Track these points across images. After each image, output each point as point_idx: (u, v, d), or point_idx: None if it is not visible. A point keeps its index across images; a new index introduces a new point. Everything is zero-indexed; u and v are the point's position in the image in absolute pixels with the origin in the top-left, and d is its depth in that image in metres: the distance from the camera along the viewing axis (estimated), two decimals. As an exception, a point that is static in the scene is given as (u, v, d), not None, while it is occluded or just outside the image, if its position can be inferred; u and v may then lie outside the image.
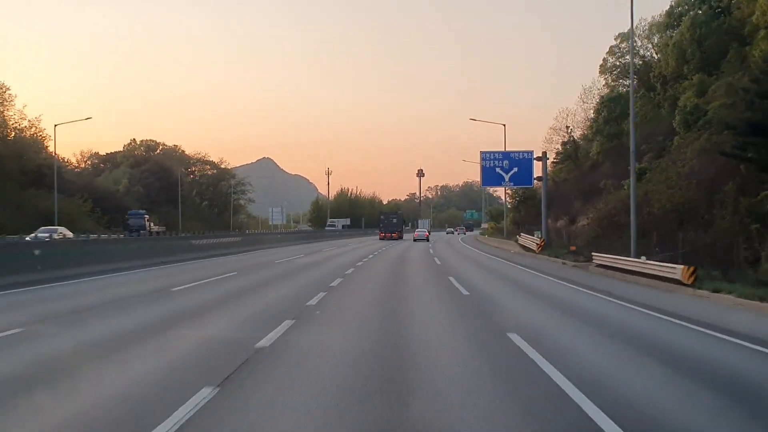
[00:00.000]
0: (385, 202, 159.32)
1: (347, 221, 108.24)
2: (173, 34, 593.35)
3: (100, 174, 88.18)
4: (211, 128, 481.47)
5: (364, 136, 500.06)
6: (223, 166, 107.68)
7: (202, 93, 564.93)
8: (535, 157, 36.59)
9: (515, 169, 35.82)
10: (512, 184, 36.46)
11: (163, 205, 79.75)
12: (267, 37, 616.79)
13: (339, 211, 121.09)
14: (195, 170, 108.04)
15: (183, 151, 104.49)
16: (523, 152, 36.66)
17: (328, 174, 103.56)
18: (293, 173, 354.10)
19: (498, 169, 35.97)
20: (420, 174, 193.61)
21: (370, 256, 31.89)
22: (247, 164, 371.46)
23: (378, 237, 68.94)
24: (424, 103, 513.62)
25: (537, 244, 33.12)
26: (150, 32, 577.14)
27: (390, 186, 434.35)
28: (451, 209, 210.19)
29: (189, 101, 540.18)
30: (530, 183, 36.78)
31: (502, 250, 40.34)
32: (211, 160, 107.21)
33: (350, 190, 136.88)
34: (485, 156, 36.23)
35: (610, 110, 52.47)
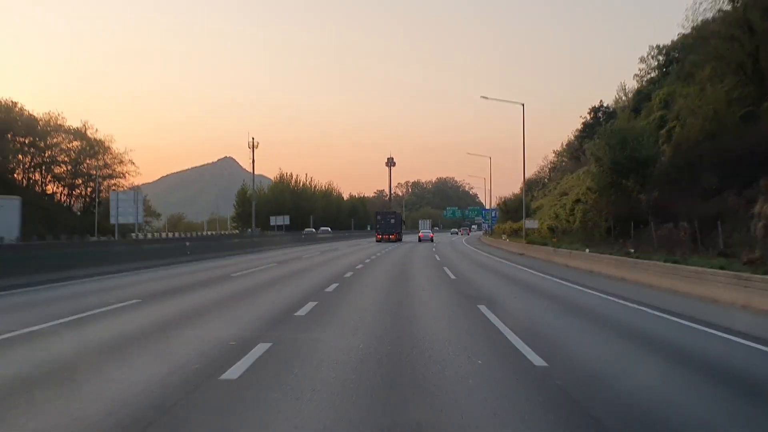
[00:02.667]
0: (345, 198, 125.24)
1: (286, 219, 70.97)
2: (136, 31, 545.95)
3: None
4: (170, 126, 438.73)
5: (327, 133, 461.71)
6: (90, 134, 68.74)
7: (159, 90, 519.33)
8: None
9: None
10: None
11: None
12: (229, 34, 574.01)
13: (277, 204, 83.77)
14: (51, 142, 68.89)
15: (23, 110, 65.01)
16: None
17: (253, 148, 64.83)
18: (256, 173, 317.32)
19: None
20: (390, 163, 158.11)
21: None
22: (207, 164, 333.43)
23: (375, 239, 65.29)
24: (392, 96, 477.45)
25: None
26: (112, 28, 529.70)
27: (355, 180, 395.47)
28: (425, 207, 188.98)
29: (145, 98, 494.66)
30: None
31: None
32: (69, 126, 68.23)
33: (295, 178, 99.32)
34: None
35: None
